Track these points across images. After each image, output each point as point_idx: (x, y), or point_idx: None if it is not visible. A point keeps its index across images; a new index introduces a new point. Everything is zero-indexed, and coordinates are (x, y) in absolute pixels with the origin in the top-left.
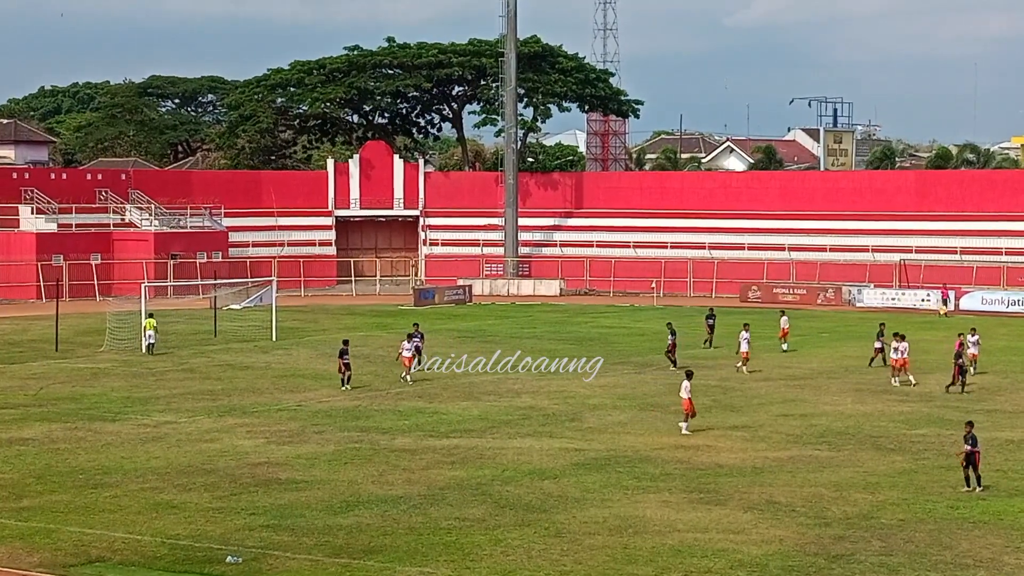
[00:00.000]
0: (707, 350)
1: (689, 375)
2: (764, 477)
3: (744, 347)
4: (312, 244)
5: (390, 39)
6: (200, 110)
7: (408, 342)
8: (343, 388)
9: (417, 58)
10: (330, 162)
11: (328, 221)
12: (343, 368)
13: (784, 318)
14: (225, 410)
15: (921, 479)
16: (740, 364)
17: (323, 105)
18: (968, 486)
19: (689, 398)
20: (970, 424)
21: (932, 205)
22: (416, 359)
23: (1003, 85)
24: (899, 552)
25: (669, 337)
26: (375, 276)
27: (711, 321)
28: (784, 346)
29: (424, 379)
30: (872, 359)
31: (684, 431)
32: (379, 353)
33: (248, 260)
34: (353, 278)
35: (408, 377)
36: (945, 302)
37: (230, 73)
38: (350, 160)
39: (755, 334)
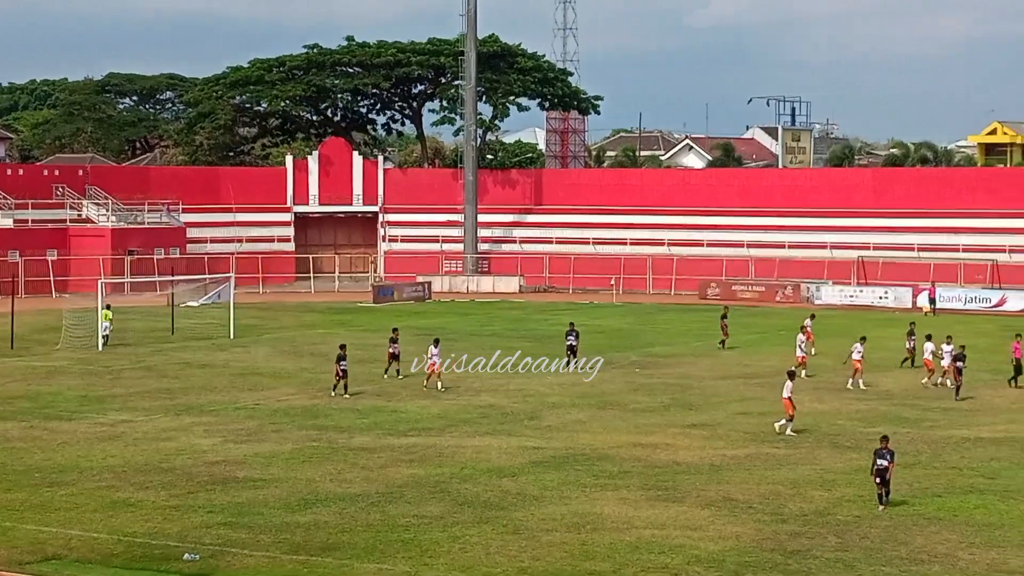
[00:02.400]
0: (722, 350)
1: (791, 375)
2: (722, 474)
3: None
4: (271, 240)
5: (350, 38)
6: (159, 107)
7: (436, 347)
8: (332, 394)
9: (376, 57)
10: (289, 158)
11: (287, 217)
12: (339, 374)
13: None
14: (182, 408)
15: None
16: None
17: (282, 103)
18: (881, 504)
19: (789, 398)
20: (885, 439)
21: (889, 203)
22: (394, 363)
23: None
24: (855, 548)
25: (570, 337)
26: (334, 273)
27: (725, 320)
28: (811, 349)
29: (388, 378)
30: (904, 359)
31: (787, 432)
32: (337, 351)
33: (206, 256)
34: (312, 275)
35: (438, 384)
36: (932, 301)
37: (189, 71)
38: (309, 156)
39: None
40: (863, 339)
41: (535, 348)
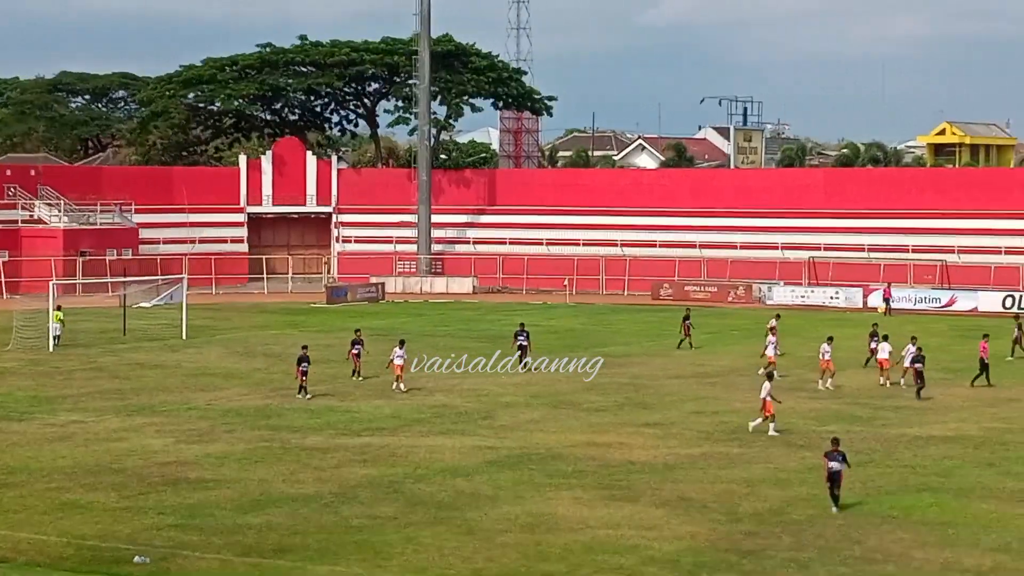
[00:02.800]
0: (688, 349)
1: (770, 376)
2: (676, 474)
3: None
4: (224, 241)
5: (303, 37)
6: (111, 106)
7: (401, 348)
8: (298, 396)
9: (330, 56)
10: (242, 158)
11: (240, 218)
12: (301, 376)
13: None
14: (134, 409)
15: None
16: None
17: (236, 102)
18: (836, 507)
19: (768, 398)
20: (836, 441)
21: (840, 203)
22: (358, 364)
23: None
24: (809, 547)
25: (520, 337)
26: (287, 274)
27: (688, 321)
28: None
29: (340, 378)
30: (868, 359)
31: (771, 431)
32: (291, 352)
33: (159, 257)
34: (265, 275)
35: (401, 386)
36: (887, 301)
37: (142, 69)
38: (263, 156)
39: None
40: (830, 339)
41: (489, 348)
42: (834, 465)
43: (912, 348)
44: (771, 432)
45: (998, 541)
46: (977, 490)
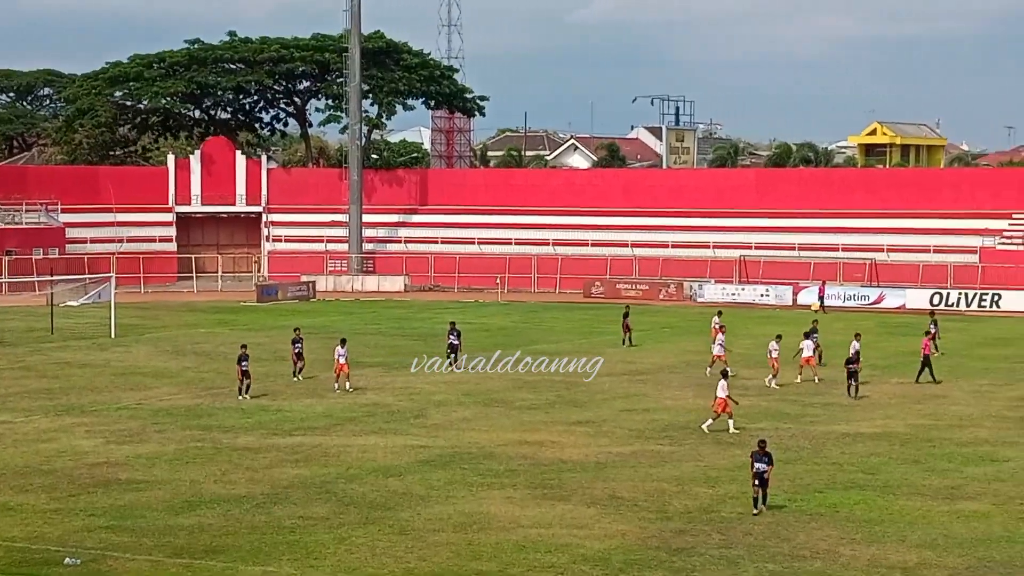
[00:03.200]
0: (629, 347)
1: (724, 375)
2: (607, 472)
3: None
4: (152, 240)
5: (232, 33)
6: (36, 104)
7: (343, 347)
8: (241, 397)
9: (259, 53)
10: (170, 157)
11: (168, 217)
12: (241, 376)
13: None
14: (63, 409)
15: None
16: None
17: (163, 100)
18: (756, 508)
19: (724, 397)
20: (763, 442)
21: (771, 203)
22: (299, 364)
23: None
24: (738, 545)
25: (451, 336)
26: (217, 273)
27: (627, 319)
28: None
29: (271, 377)
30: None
31: (731, 429)
32: (221, 350)
33: (86, 256)
34: (195, 274)
35: (347, 385)
36: (821, 299)
37: (67, 67)
38: (191, 156)
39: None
40: (779, 337)
41: (421, 347)
42: (760, 466)
43: (856, 345)
44: (732, 429)
45: (923, 537)
46: (903, 487)
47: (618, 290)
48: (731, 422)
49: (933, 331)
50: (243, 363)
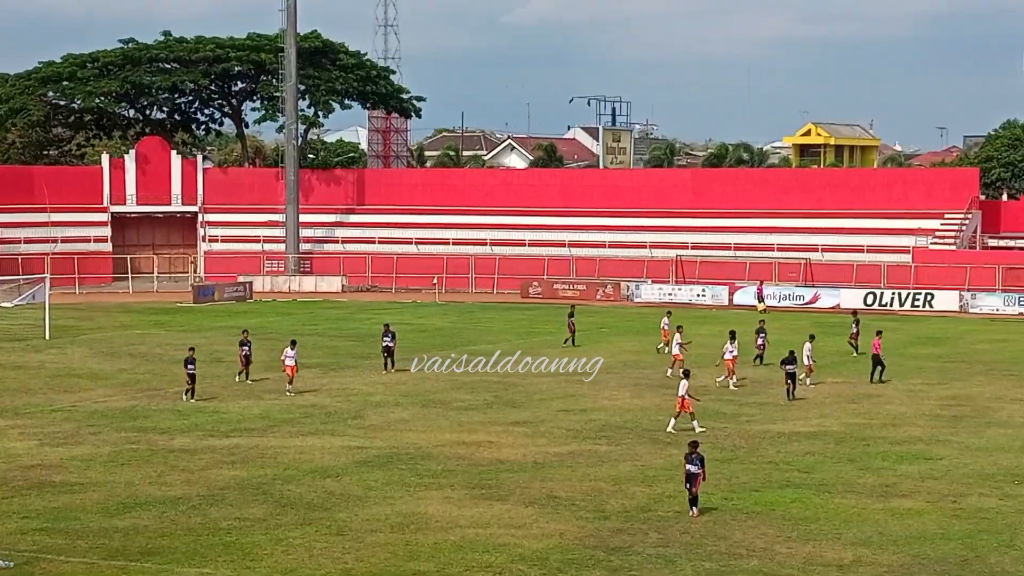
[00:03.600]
0: (566, 347)
1: (686, 374)
2: (545, 472)
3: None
4: (87, 241)
5: (167, 33)
6: None
7: (292, 348)
8: (185, 400)
9: (195, 52)
10: (105, 158)
11: (103, 217)
12: (189, 379)
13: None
14: None
15: None
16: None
17: (97, 99)
18: (693, 510)
19: (684, 396)
20: (694, 444)
21: (707, 203)
22: (246, 366)
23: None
24: (675, 543)
25: (385, 338)
26: (152, 273)
27: (572, 319)
28: (665, 348)
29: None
30: (756, 357)
31: (670, 428)
32: (156, 351)
33: (20, 257)
34: (130, 275)
35: (288, 389)
36: (761, 299)
37: None
38: (126, 156)
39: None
40: (733, 338)
41: (359, 347)
42: (691, 468)
43: (809, 346)
44: (697, 428)
45: (859, 535)
46: (838, 485)
47: (555, 290)
48: (696, 422)
49: (855, 331)
50: (189, 366)
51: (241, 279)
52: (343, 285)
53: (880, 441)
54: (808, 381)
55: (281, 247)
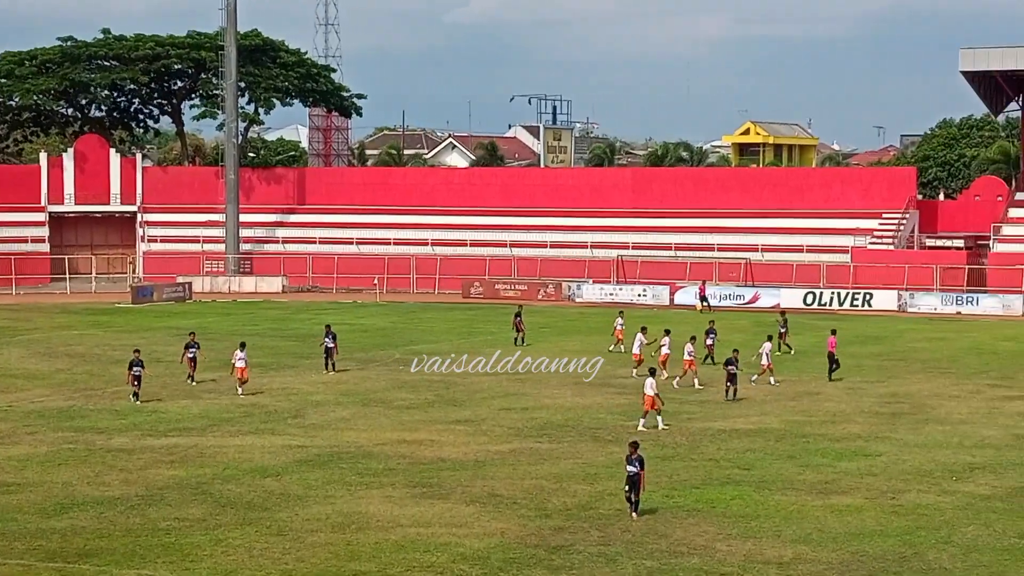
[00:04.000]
0: (519, 347)
1: (652, 372)
2: (486, 470)
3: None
4: (24, 241)
5: (106, 31)
6: None
7: (242, 350)
8: (132, 401)
9: (134, 50)
10: (43, 156)
11: (41, 217)
12: (133, 381)
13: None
14: None
15: None
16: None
17: (35, 97)
18: (633, 512)
19: (653, 395)
20: (634, 445)
21: (648, 202)
22: (193, 369)
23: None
24: (617, 541)
25: (326, 339)
26: (91, 274)
27: (519, 319)
28: (620, 348)
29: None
30: (705, 356)
31: (641, 427)
32: (95, 352)
33: None
34: (68, 276)
35: (239, 390)
36: (703, 299)
37: None
38: (64, 154)
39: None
40: (693, 339)
41: (300, 347)
42: (631, 469)
43: (767, 346)
44: (661, 426)
45: (798, 532)
46: (778, 482)
47: (497, 290)
48: (660, 418)
49: (783, 331)
50: (135, 368)
51: (180, 279)
52: (283, 285)
53: (820, 438)
54: (772, 380)
55: (221, 247)
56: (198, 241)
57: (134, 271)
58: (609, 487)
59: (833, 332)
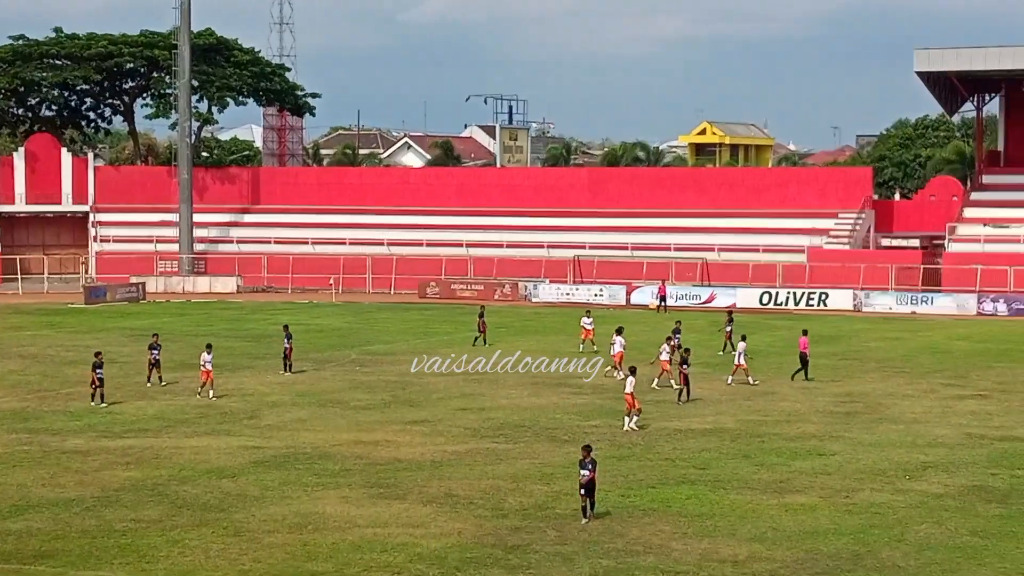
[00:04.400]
0: (483, 346)
1: (632, 371)
2: (443, 471)
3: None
4: None
5: (58, 29)
6: None
7: (209, 353)
8: (92, 404)
9: (86, 49)
10: None
11: None
12: (95, 383)
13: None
14: None
15: None
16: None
17: None
18: (585, 517)
19: (631, 393)
20: (587, 449)
21: (604, 202)
22: (156, 371)
23: (671, 85)
24: (573, 541)
25: (285, 341)
26: (43, 274)
27: (483, 319)
28: (591, 347)
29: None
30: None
31: (628, 426)
32: (48, 352)
33: None
34: (19, 276)
35: (211, 393)
36: (662, 299)
37: None
38: (15, 153)
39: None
40: (669, 339)
41: (255, 348)
42: (584, 473)
43: (743, 345)
44: (630, 426)
45: (753, 531)
46: (734, 481)
47: (453, 290)
48: (636, 418)
49: (729, 329)
50: (98, 370)
51: (134, 280)
52: (238, 286)
53: (774, 437)
54: (751, 380)
55: (175, 247)
56: (151, 241)
57: (87, 271)
58: (566, 487)
59: (804, 332)
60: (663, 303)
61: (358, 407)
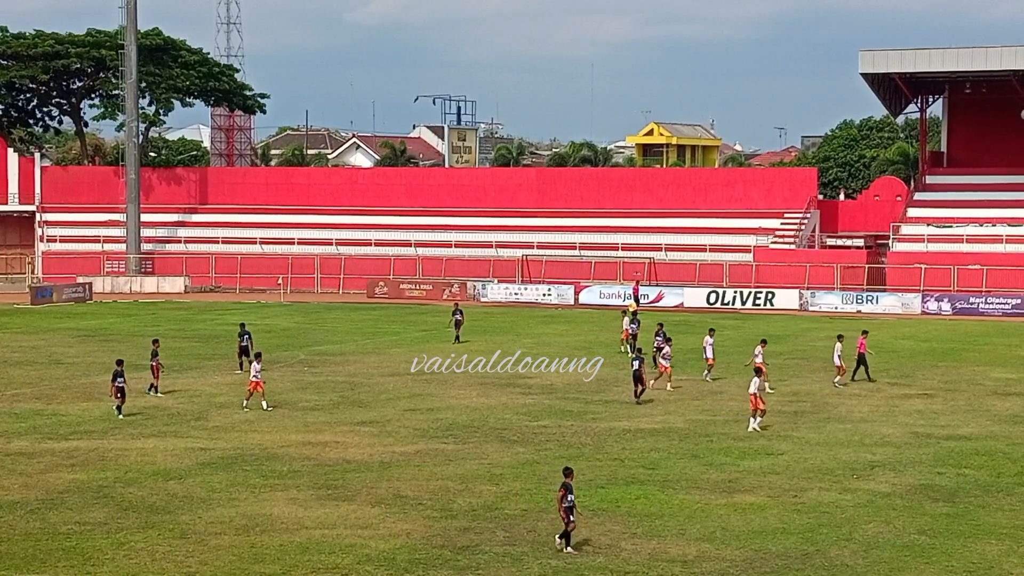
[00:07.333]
0: (454, 345)
1: (758, 372)
2: (392, 471)
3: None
4: None
5: (3, 28)
6: None
7: (256, 363)
8: (120, 416)
9: (32, 48)
10: None
11: None
12: (117, 394)
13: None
14: None
15: (543, 469)
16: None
17: None
18: (569, 545)
19: (755, 394)
20: (567, 472)
21: (552, 202)
22: (157, 377)
23: (618, 86)
24: (522, 541)
25: (243, 339)
26: None
27: (458, 317)
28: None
29: (45, 380)
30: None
31: (752, 427)
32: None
33: None
34: None
35: (263, 403)
36: (637, 300)
37: None
38: None
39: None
40: (669, 341)
41: (203, 348)
42: (571, 498)
43: (709, 339)
44: (754, 427)
45: (702, 531)
46: (682, 481)
47: (402, 290)
48: (760, 419)
49: (633, 330)
50: (118, 380)
51: (81, 280)
52: (186, 286)
53: (723, 437)
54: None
55: (122, 247)
56: (98, 241)
57: (33, 271)
58: (515, 487)
59: (864, 333)
60: (638, 304)
61: (306, 408)
